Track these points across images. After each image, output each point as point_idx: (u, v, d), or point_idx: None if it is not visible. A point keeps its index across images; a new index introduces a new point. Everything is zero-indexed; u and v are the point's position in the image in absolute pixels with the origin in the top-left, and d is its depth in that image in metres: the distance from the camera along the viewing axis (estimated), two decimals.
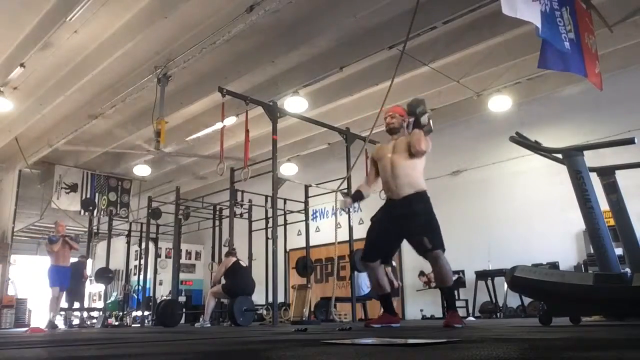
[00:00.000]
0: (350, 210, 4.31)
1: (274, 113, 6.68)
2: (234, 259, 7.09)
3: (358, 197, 4.22)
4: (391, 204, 3.89)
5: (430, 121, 3.85)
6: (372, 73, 7.59)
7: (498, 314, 7.89)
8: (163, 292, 11.94)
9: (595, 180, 3.46)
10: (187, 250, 13.51)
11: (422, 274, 8.86)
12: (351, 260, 7.22)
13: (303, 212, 8.59)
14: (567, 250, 8.00)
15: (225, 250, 7.97)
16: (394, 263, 7.74)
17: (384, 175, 3.97)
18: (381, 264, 4.01)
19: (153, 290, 10.92)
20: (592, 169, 3.50)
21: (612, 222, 3.51)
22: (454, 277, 4.60)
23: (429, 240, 3.66)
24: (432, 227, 3.74)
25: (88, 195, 11.84)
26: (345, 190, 7.42)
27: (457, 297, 7.98)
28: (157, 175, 12.63)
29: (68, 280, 8.91)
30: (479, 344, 1.64)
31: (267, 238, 9.04)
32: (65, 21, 5.94)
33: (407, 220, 3.74)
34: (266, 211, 9.20)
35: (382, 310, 4.24)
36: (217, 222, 9.97)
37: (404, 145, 3.90)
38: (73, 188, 11.64)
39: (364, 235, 4.08)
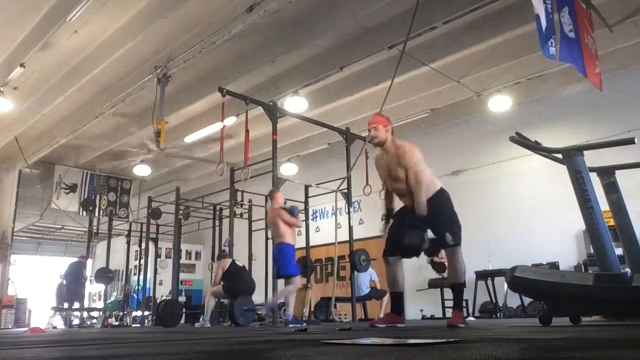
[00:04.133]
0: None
1: (274, 113, 6.68)
2: (229, 260, 7.09)
3: (390, 214, 4.15)
4: (411, 210, 3.84)
5: None
6: (372, 73, 7.59)
7: (498, 314, 7.88)
8: (163, 292, 11.93)
9: (595, 180, 3.46)
10: (187, 250, 13.51)
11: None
12: (351, 260, 7.21)
13: (303, 212, 8.59)
14: (567, 250, 8.00)
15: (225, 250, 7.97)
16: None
17: (394, 191, 3.97)
18: (401, 259, 3.97)
19: (153, 290, 10.92)
20: (592, 169, 3.49)
21: (612, 222, 3.51)
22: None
23: (452, 237, 3.77)
24: (453, 221, 3.85)
25: (87, 196, 11.84)
26: (345, 190, 7.43)
27: None
28: (157, 175, 12.63)
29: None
30: (479, 344, 1.64)
31: (267, 238, 9.03)
32: (65, 21, 5.95)
33: (429, 219, 3.74)
34: (266, 211, 9.18)
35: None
36: (217, 222, 9.96)
37: (397, 161, 3.84)
38: (72, 188, 11.64)
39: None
